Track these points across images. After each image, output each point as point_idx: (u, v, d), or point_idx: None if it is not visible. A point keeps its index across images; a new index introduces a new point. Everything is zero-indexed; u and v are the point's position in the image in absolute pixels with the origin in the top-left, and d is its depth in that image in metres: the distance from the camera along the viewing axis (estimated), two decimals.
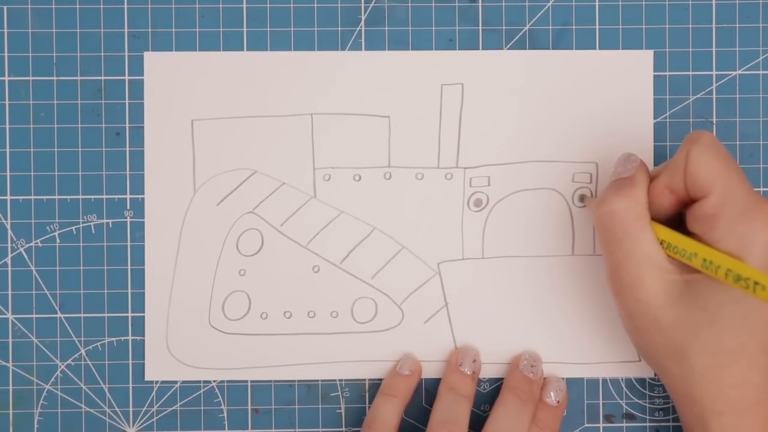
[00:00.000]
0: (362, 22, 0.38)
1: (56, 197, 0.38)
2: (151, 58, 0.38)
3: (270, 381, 0.38)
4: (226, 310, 0.38)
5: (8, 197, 0.38)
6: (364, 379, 0.38)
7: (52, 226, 0.38)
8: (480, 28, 0.38)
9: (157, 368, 0.38)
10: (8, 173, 0.38)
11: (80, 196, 0.38)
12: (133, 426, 0.38)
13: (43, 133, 0.38)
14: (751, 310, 0.30)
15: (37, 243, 0.38)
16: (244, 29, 0.38)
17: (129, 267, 0.38)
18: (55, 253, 0.38)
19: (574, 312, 0.38)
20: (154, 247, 0.38)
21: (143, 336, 0.38)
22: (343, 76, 0.38)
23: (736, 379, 0.31)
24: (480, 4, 0.38)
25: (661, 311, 0.31)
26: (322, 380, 0.38)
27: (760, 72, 0.38)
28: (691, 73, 0.38)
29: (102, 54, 0.38)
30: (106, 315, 0.38)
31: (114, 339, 0.38)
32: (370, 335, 0.38)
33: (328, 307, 0.38)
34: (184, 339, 0.38)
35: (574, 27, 0.38)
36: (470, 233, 0.38)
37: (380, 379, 0.38)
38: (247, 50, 0.38)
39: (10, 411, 0.38)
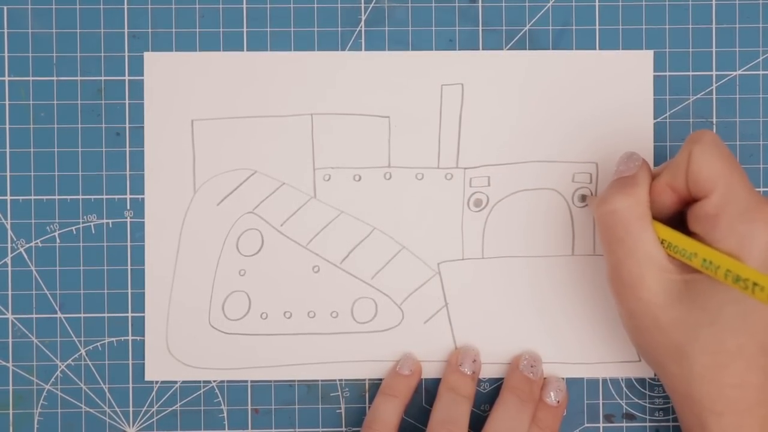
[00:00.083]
0: (362, 23, 0.38)
1: (56, 197, 0.38)
2: (151, 58, 0.38)
3: (270, 381, 0.38)
4: (226, 310, 0.38)
5: (8, 197, 0.38)
6: (364, 379, 0.38)
7: (52, 226, 0.38)
8: (480, 28, 0.38)
9: (157, 368, 0.38)
10: (8, 173, 0.38)
11: (80, 196, 0.38)
12: (133, 426, 0.38)
13: (43, 133, 0.38)
14: (750, 311, 0.30)
15: (37, 243, 0.38)
16: (244, 29, 0.38)
17: (129, 267, 0.38)
18: (55, 253, 0.38)
19: (575, 312, 0.38)
20: (154, 247, 0.38)
21: (143, 336, 0.38)
22: (343, 76, 0.38)
23: (735, 379, 0.31)
24: (480, 4, 0.38)
25: (661, 311, 0.31)
26: (322, 380, 0.38)
27: (760, 72, 0.38)
28: (691, 73, 0.38)
29: (102, 54, 0.38)
30: (106, 315, 0.38)
31: (114, 339, 0.38)
32: (370, 335, 0.38)
33: (328, 307, 0.38)
34: (184, 339, 0.38)
35: (574, 27, 0.38)
36: (470, 233, 0.38)
37: (380, 379, 0.38)
38: (247, 50, 0.38)
39: (10, 411, 0.38)
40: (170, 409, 0.38)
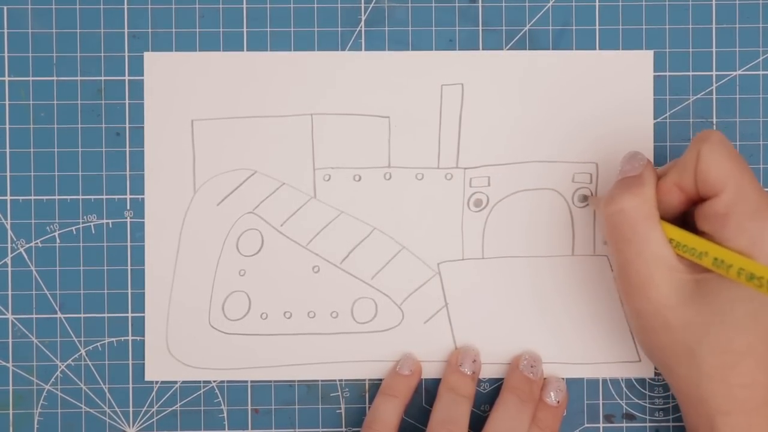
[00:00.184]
0: (362, 23, 0.38)
1: (56, 197, 0.38)
2: (151, 58, 0.38)
3: (270, 381, 0.38)
4: (226, 311, 0.38)
5: (8, 197, 0.38)
6: (364, 379, 0.38)
7: (52, 226, 0.38)
8: (480, 28, 0.38)
9: (157, 368, 0.38)
10: (8, 173, 0.38)
11: (80, 196, 0.38)
12: (133, 426, 0.38)
13: (43, 133, 0.38)
14: (760, 310, 0.30)
15: (37, 243, 0.38)
16: (244, 29, 0.38)
17: (129, 267, 0.38)
18: (55, 253, 0.38)
19: (575, 312, 0.38)
20: (154, 247, 0.38)
21: (143, 336, 0.38)
22: (343, 76, 0.38)
23: (744, 378, 0.31)
24: (480, 4, 0.38)
25: (670, 311, 0.31)
26: (322, 380, 0.38)
27: (760, 72, 0.38)
28: (691, 73, 0.38)
29: (102, 54, 0.38)
30: (106, 315, 0.38)
31: (114, 339, 0.38)
32: (370, 335, 0.38)
33: (328, 307, 0.38)
34: (184, 339, 0.38)
35: (574, 27, 0.38)
36: (470, 233, 0.38)
37: (380, 379, 0.38)
38: (247, 50, 0.38)
39: (10, 411, 0.38)
40: (170, 409, 0.38)
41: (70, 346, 0.38)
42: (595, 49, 0.38)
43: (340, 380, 0.38)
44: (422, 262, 0.38)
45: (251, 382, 0.38)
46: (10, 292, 0.38)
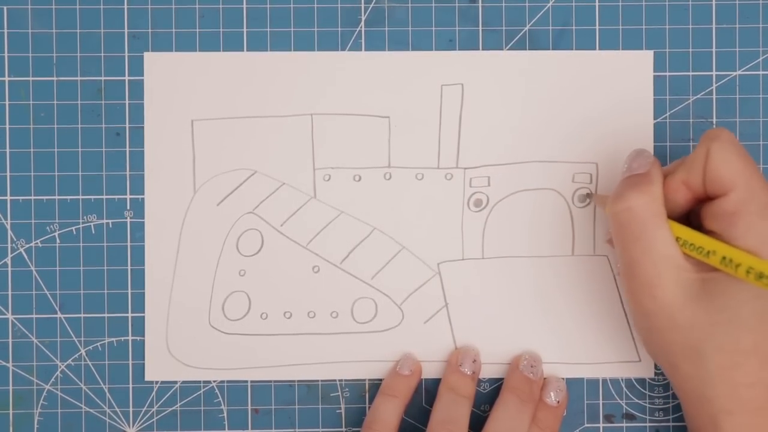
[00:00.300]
0: (362, 23, 0.38)
1: (56, 197, 0.38)
2: (151, 58, 0.38)
3: (270, 381, 0.38)
4: (226, 311, 0.38)
5: (8, 197, 0.38)
6: (364, 379, 0.38)
7: (52, 226, 0.38)
8: (480, 28, 0.38)
9: (157, 368, 0.38)
10: (8, 173, 0.38)
11: (80, 196, 0.38)
12: (133, 426, 0.38)
13: (43, 133, 0.38)
14: (767, 309, 0.30)
15: (37, 243, 0.38)
16: (244, 29, 0.38)
17: (129, 267, 0.38)
18: (55, 253, 0.38)
19: (575, 312, 0.38)
20: (154, 247, 0.38)
21: (143, 336, 0.38)
22: (343, 76, 0.38)
23: (749, 378, 0.31)
24: (480, 4, 0.38)
25: (677, 310, 0.31)
26: (322, 380, 0.38)
27: (760, 72, 0.38)
28: (691, 73, 0.38)
29: (102, 54, 0.38)
30: (106, 315, 0.38)
31: (114, 339, 0.38)
32: (370, 335, 0.38)
33: (328, 307, 0.38)
34: (184, 339, 0.38)
35: (574, 27, 0.38)
36: (470, 233, 0.38)
37: (380, 379, 0.38)
38: (247, 50, 0.38)
39: (10, 411, 0.38)
40: (170, 409, 0.38)
41: (70, 346, 0.38)
42: (595, 49, 0.38)
43: (340, 380, 0.38)
44: (422, 262, 0.38)
45: (251, 382, 0.38)
46: (10, 292, 0.38)
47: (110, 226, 0.38)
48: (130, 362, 0.38)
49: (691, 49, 0.38)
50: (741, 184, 0.30)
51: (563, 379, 0.37)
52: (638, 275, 0.31)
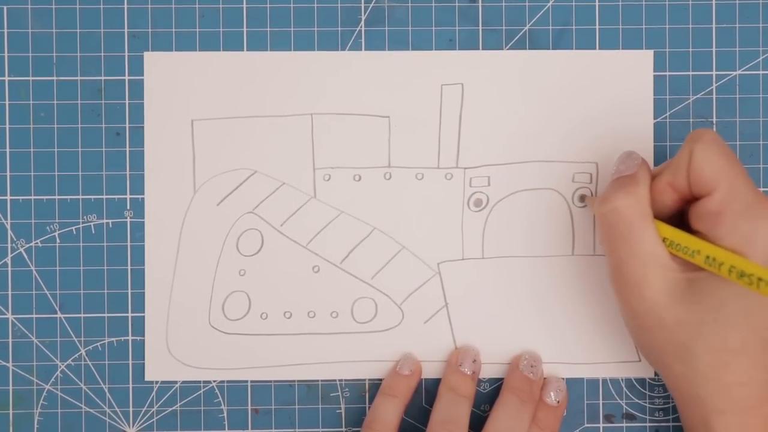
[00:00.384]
0: (362, 22, 0.38)
1: (56, 197, 0.38)
2: (151, 58, 0.38)
3: (270, 381, 0.38)
4: (226, 311, 0.38)
5: (8, 197, 0.38)
6: (364, 379, 0.38)
7: (52, 226, 0.38)
8: (480, 28, 0.38)
9: (157, 368, 0.38)
10: (8, 173, 0.38)
11: (80, 196, 0.38)
12: (133, 426, 0.38)
13: (43, 133, 0.38)
14: (753, 307, 0.30)
15: (37, 243, 0.38)
16: (244, 29, 0.38)
17: (129, 267, 0.38)
18: (55, 253, 0.38)
19: (575, 312, 0.38)
20: (154, 247, 0.38)
21: (143, 336, 0.38)
22: (343, 76, 0.38)
23: (739, 377, 0.31)
24: (480, 4, 0.38)
25: (665, 309, 0.31)
26: (322, 380, 0.38)
27: (760, 72, 0.38)
28: (691, 73, 0.38)
29: (102, 54, 0.38)
30: (106, 315, 0.38)
31: (114, 339, 0.38)
32: (370, 335, 0.38)
33: (328, 307, 0.38)
34: (184, 339, 0.38)
35: (574, 27, 0.38)
36: (470, 233, 0.38)
37: (380, 379, 0.38)
38: (247, 50, 0.38)
39: (10, 411, 0.38)
40: (170, 409, 0.38)
41: (70, 346, 0.38)
42: (595, 48, 0.38)
43: (340, 380, 0.38)
44: (422, 262, 0.38)
45: (251, 382, 0.38)
46: (10, 292, 0.38)
47: (110, 226, 0.38)
48: (130, 362, 0.38)
49: (691, 49, 0.38)
50: (724, 183, 0.30)
51: (563, 379, 0.37)
52: (626, 276, 0.32)
